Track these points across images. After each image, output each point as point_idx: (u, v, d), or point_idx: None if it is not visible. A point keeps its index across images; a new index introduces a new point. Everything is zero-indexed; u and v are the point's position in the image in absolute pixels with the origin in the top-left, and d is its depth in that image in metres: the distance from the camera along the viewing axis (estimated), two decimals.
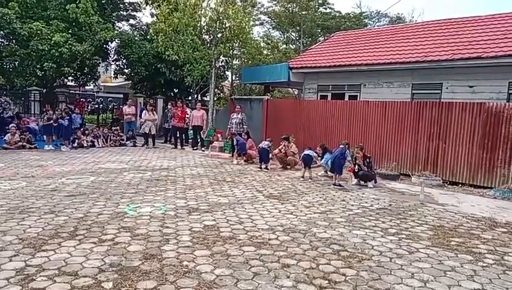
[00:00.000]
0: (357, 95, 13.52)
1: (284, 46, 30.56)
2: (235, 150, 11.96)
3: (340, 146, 9.19)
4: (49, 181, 7.92)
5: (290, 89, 25.56)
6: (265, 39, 29.81)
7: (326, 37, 25.28)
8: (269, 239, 4.91)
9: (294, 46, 31.45)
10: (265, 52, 25.83)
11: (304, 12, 29.22)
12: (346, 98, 13.66)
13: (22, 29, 15.43)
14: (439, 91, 11.38)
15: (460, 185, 9.36)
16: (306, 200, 7.24)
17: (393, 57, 12.37)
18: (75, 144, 13.90)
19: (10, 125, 13.65)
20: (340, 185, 8.60)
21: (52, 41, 15.50)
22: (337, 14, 32.20)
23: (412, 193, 8.34)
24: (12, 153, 11.93)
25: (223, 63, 22.47)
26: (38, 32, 15.59)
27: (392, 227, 5.71)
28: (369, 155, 9.37)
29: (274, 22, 31.92)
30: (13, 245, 4.32)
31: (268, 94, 18.33)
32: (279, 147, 11.17)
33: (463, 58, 10.55)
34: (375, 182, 9.04)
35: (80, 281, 3.52)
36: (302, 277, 3.84)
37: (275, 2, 31.47)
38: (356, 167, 8.97)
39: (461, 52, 10.83)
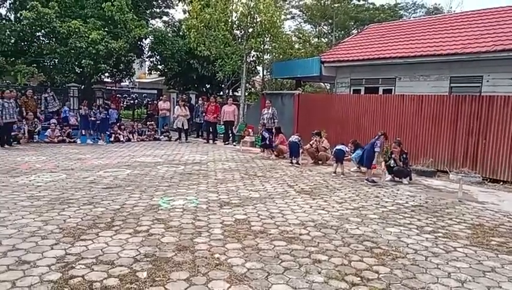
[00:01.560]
0: (391, 89, 13.16)
1: (316, 39, 30.15)
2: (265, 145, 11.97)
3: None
4: (88, 174, 8.23)
5: (321, 83, 25.25)
6: (297, 33, 29.50)
7: (359, 30, 24.73)
8: (300, 234, 4.89)
9: (326, 39, 30.99)
10: (296, 46, 25.60)
11: (336, 5, 28.69)
12: (380, 93, 13.34)
13: (61, 27, 16.05)
14: (480, 84, 10.89)
15: (501, 183, 8.93)
16: (338, 196, 7.14)
17: (430, 49, 11.93)
18: (112, 139, 14.36)
19: (51, 121, 14.28)
20: (373, 181, 8.41)
21: (90, 39, 16.03)
22: (371, 6, 31.41)
23: (449, 190, 8.05)
24: (53, 146, 12.48)
25: (254, 58, 22.44)
26: (76, 30, 16.16)
27: (428, 225, 5.53)
28: (406, 151, 9.10)
29: (306, 15, 31.55)
30: (54, 234, 4.52)
31: (300, 89, 18.20)
32: (311, 142, 11.06)
33: (505, 50, 10.03)
34: (411, 179, 8.80)
35: (116, 270, 3.64)
36: (334, 273, 3.79)
37: None
38: (392, 162, 8.74)
39: (503, 43, 10.29)
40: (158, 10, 23.26)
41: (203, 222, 5.23)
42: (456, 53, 11.06)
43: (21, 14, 15.74)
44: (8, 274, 3.48)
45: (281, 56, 21.92)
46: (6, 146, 11.72)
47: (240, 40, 17.05)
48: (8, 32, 16.43)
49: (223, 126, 15.54)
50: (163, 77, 24.62)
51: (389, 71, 13.18)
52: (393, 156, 8.76)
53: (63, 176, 7.88)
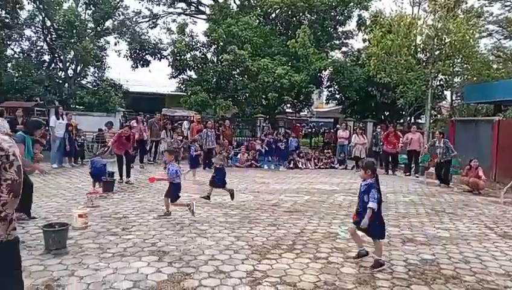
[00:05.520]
0: None
1: None
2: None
3: None
4: (271, 197, 8.88)
5: None
6: (495, 52, 25.69)
7: None
8: (505, 287, 4.09)
9: None
10: (495, 66, 22.28)
11: None
12: None
13: (252, 66, 18.21)
14: None
15: None
16: None
17: None
18: (291, 165, 15.21)
19: (242, 147, 16.13)
20: None
21: (275, 74, 17.64)
22: None
23: None
24: (242, 170, 14.01)
25: (441, 82, 20.60)
26: (265, 67, 18.04)
27: None
28: None
29: (507, 30, 27.26)
30: (244, 250, 4.99)
31: (500, 114, 15.66)
32: None
33: None
34: None
35: None
36: None
37: (508, 8, 26.94)
38: None
39: None
40: (338, 42, 23.91)
41: (384, 257, 4.92)
42: None
43: (222, 57, 18.61)
44: (209, 281, 4.00)
45: (475, 78, 19.42)
46: (206, 169, 13.75)
47: (424, 64, 15.95)
48: (212, 73, 19.64)
49: (404, 155, 14.57)
50: (340, 106, 24.93)
51: None
52: None
53: (250, 198, 8.72)
